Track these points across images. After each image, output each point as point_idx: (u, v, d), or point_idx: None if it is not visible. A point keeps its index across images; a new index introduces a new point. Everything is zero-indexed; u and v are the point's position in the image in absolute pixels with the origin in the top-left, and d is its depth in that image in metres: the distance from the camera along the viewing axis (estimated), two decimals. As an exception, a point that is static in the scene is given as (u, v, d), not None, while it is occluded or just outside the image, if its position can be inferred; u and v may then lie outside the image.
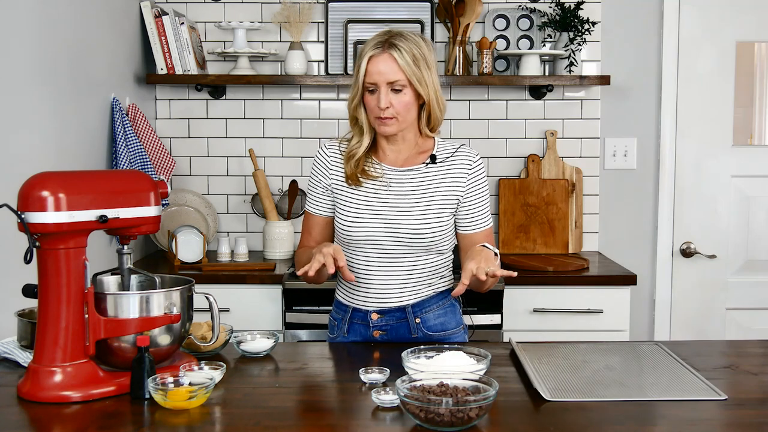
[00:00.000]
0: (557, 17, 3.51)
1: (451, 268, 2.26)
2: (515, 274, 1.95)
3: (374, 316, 2.18)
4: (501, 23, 3.63)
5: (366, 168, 2.18)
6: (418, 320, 2.17)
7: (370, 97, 2.10)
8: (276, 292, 3.13)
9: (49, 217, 1.64)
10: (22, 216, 1.64)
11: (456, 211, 2.18)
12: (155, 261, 3.44)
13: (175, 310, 1.75)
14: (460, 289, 1.93)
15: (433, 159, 2.18)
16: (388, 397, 1.64)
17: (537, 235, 3.60)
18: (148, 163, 3.17)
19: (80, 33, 2.86)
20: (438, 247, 2.16)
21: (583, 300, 3.16)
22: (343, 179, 2.19)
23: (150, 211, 1.78)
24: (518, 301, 3.14)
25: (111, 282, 1.88)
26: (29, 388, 1.68)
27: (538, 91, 3.59)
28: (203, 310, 1.93)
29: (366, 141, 2.17)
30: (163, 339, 1.76)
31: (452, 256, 2.25)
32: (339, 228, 2.18)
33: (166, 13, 3.38)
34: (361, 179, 2.17)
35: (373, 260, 2.16)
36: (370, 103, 2.11)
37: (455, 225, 2.21)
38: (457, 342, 2.21)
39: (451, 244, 2.22)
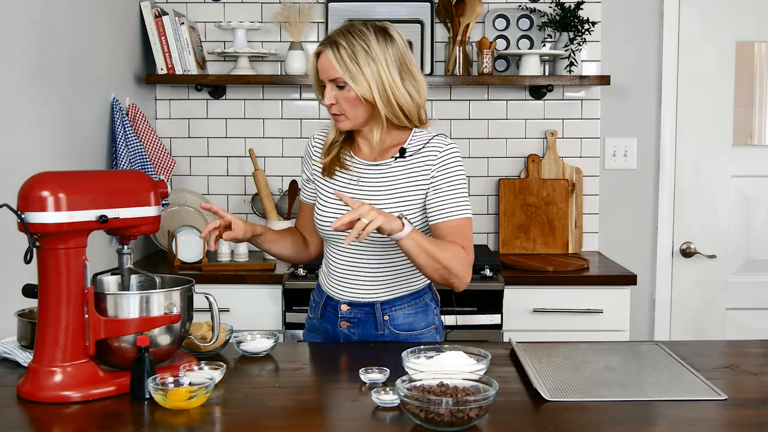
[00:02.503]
0: (557, 17, 3.51)
1: None
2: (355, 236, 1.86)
3: (343, 308, 2.18)
4: (501, 23, 3.63)
5: (342, 159, 2.18)
6: (386, 317, 2.16)
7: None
8: (276, 292, 3.13)
9: (49, 217, 1.64)
10: (22, 216, 1.64)
11: (425, 204, 2.13)
12: (155, 261, 3.44)
13: (175, 310, 1.75)
14: (336, 224, 1.86)
15: (402, 153, 2.13)
16: (388, 397, 1.64)
17: (537, 235, 3.60)
18: (148, 163, 3.17)
19: (80, 33, 2.86)
20: None
21: (583, 300, 3.16)
22: (320, 170, 2.21)
23: (150, 211, 1.78)
24: (518, 301, 3.14)
25: (111, 282, 1.88)
26: (29, 388, 1.68)
27: (538, 91, 3.59)
28: (203, 310, 1.93)
29: (333, 131, 2.17)
30: (163, 339, 1.76)
31: None
32: (315, 221, 2.20)
33: (166, 13, 3.38)
34: (336, 171, 2.17)
35: (346, 254, 2.16)
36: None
37: (426, 218, 2.14)
38: (428, 342, 2.18)
39: None
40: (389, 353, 2.00)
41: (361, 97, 2.04)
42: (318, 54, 2.08)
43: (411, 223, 1.99)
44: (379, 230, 1.91)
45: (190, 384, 1.65)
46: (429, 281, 2.24)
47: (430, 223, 2.12)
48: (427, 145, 2.12)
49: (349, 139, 2.20)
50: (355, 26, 2.08)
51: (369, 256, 2.15)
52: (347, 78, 2.03)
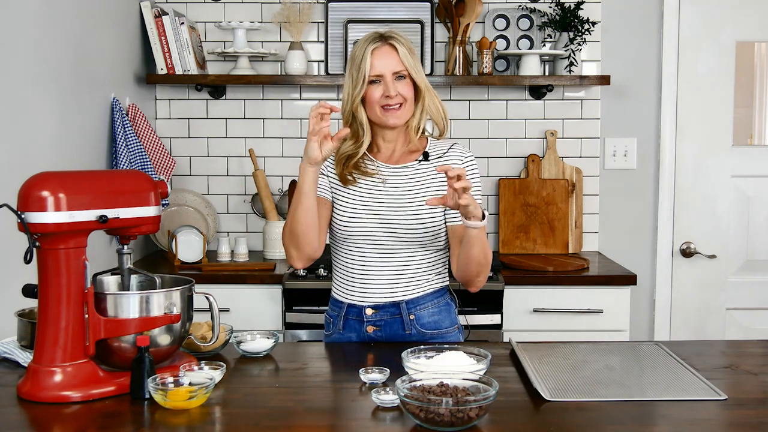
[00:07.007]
0: (557, 17, 3.51)
1: (447, 265, 2.27)
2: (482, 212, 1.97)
3: (368, 312, 2.19)
4: (501, 23, 3.63)
5: (360, 165, 2.19)
6: (412, 317, 2.18)
7: (374, 89, 2.13)
8: (276, 292, 3.13)
9: (49, 217, 1.64)
10: (22, 216, 1.64)
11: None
12: (155, 261, 3.44)
13: (175, 310, 1.76)
14: (433, 200, 1.93)
15: (426, 156, 2.21)
16: (388, 397, 1.64)
17: (537, 235, 3.60)
18: (148, 163, 3.17)
19: (81, 33, 2.86)
20: (432, 243, 2.18)
21: (583, 300, 3.15)
22: (338, 179, 2.21)
23: (150, 211, 1.78)
24: (518, 301, 3.14)
25: (111, 282, 1.88)
26: (29, 388, 1.68)
27: (538, 91, 3.59)
28: (203, 310, 1.93)
29: (366, 140, 2.18)
30: (163, 339, 1.76)
31: (448, 252, 2.26)
32: (336, 226, 2.19)
33: (166, 13, 3.38)
34: (355, 177, 2.18)
35: (369, 256, 2.18)
36: (375, 94, 2.13)
37: (445, 219, 2.19)
38: (453, 341, 2.21)
39: (446, 240, 2.22)
40: (388, 353, 2.00)
41: (411, 91, 2.15)
42: (374, 50, 2.13)
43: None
44: (464, 212, 1.94)
45: (190, 384, 1.66)
46: (447, 279, 2.26)
47: (453, 224, 2.18)
48: (450, 149, 2.24)
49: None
50: (393, 30, 2.19)
51: (393, 255, 2.17)
52: (413, 69, 2.15)
